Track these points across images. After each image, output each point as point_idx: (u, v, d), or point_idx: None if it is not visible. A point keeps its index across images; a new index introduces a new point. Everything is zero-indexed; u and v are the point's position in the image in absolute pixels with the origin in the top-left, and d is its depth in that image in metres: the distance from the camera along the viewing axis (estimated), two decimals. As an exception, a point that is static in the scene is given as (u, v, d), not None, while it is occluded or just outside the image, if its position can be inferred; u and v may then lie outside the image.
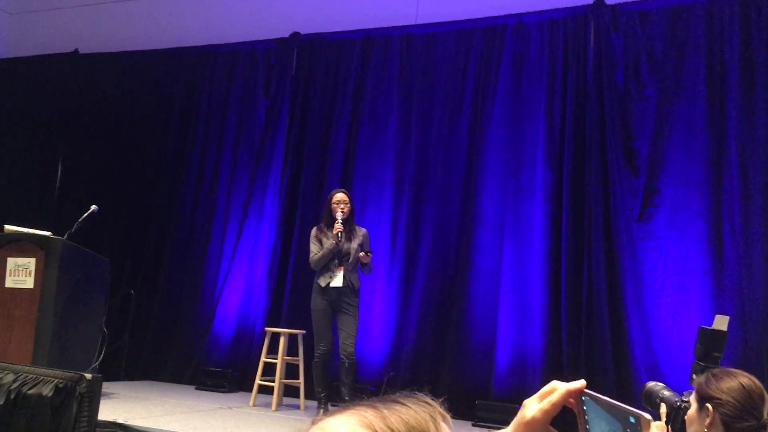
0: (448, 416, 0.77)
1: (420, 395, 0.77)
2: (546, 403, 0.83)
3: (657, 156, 5.41)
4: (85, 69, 7.88)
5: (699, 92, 5.36)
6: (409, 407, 0.74)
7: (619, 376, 5.14)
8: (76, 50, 7.95)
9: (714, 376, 1.91)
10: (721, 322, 2.15)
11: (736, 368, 1.96)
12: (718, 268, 5.06)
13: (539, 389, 0.88)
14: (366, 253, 4.93)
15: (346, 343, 4.83)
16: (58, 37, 8.14)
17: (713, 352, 2.07)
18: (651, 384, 2.09)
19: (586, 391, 0.83)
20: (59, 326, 4.41)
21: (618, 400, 0.80)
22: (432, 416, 0.74)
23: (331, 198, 5.07)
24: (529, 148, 5.84)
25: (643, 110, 5.52)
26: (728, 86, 5.27)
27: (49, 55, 8.06)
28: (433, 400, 0.77)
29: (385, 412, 0.72)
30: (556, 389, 0.83)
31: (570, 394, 0.83)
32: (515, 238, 5.73)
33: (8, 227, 4.71)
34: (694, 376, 2.03)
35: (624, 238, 5.36)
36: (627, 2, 5.72)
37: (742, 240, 5.01)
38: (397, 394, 0.77)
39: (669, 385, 2.11)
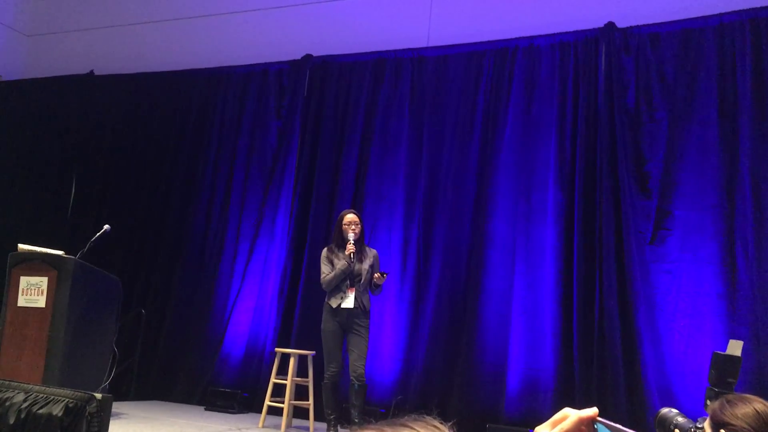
0: None
1: (429, 418, 0.77)
2: (558, 431, 0.82)
3: (669, 178, 5.39)
4: (100, 90, 7.97)
5: (711, 115, 5.35)
6: (418, 431, 0.73)
7: (632, 401, 5.08)
8: (92, 71, 8.05)
9: (728, 402, 1.88)
10: (734, 347, 2.13)
11: (751, 394, 1.93)
12: (732, 291, 5.01)
13: (551, 413, 0.87)
14: (381, 274, 4.91)
15: (357, 364, 4.81)
16: (74, 59, 8.25)
17: (727, 378, 2.04)
18: (665, 410, 2.07)
19: (599, 419, 0.82)
20: (70, 345, 4.42)
21: (631, 427, 0.79)
22: None
23: (342, 219, 5.07)
24: (540, 170, 5.83)
25: (654, 133, 5.51)
26: (740, 109, 5.26)
27: (65, 76, 8.17)
28: (442, 423, 0.76)
29: None
30: (568, 416, 0.82)
31: (582, 421, 0.82)
32: (526, 260, 5.70)
33: (21, 246, 4.74)
34: (708, 402, 2.01)
35: (636, 260, 5.32)
36: (638, 25, 5.73)
37: (756, 263, 4.97)
38: (406, 417, 0.76)
39: (683, 411, 2.09)
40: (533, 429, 0.83)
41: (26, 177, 8.08)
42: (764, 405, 1.80)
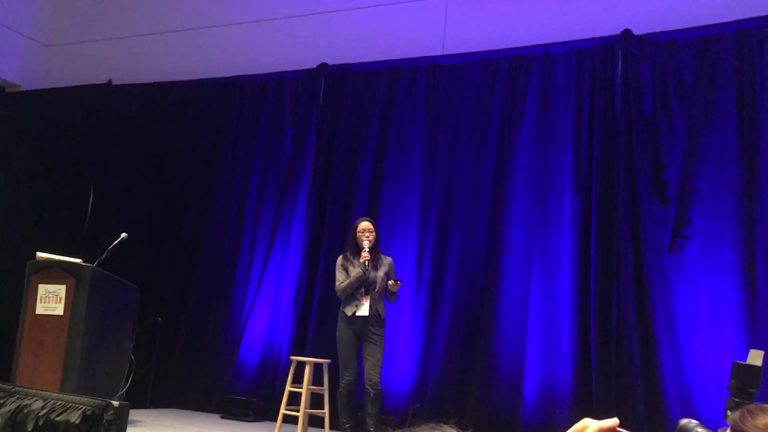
0: None
1: (447, 427, 0.76)
2: None
3: (687, 186, 5.34)
4: (117, 99, 8.05)
5: (729, 122, 5.30)
6: None
7: (651, 412, 5.02)
8: (110, 81, 8.13)
9: (749, 412, 1.85)
10: (755, 357, 2.10)
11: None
12: (752, 300, 4.95)
13: (569, 424, 0.86)
14: (395, 281, 4.90)
15: (372, 372, 4.79)
16: (92, 69, 8.34)
17: (748, 388, 2.01)
18: (684, 421, 2.03)
19: (619, 429, 0.81)
20: (88, 353, 4.44)
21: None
22: None
23: (357, 226, 5.07)
24: (556, 177, 5.80)
25: (672, 140, 5.47)
26: (759, 116, 5.21)
27: (84, 85, 8.26)
28: (456, 429, 0.76)
29: None
30: (588, 427, 0.81)
31: None
32: (543, 268, 5.67)
33: (40, 254, 4.78)
34: (728, 413, 1.97)
35: (654, 269, 5.28)
36: (655, 33, 5.70)
37: (776, 272, 4.91)
38: (424, 426, 0.76)
39: (703, 422, 2.06)
40: None
41: (45, 185, 8.16)
42: None
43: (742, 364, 2.06)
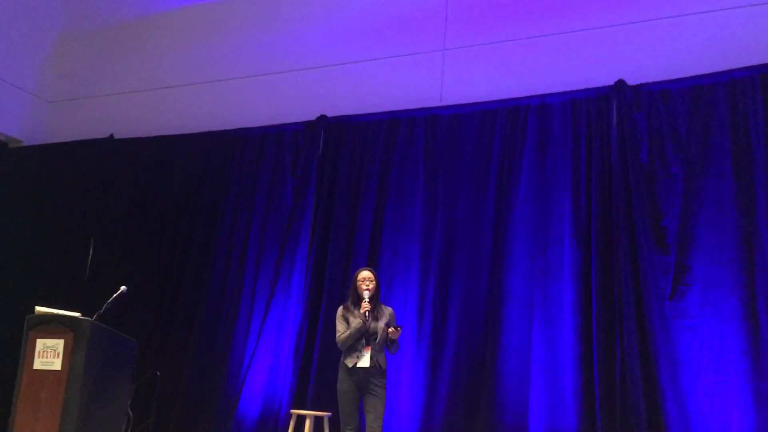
0: None
1: None
2: None
3: (686, 233, 5.35)
4: (119, 153, 8.12)
5: (725, 169, 5.35)
6: None
7: (658, 462, 4.93)
8: (112, 135, 8.22)
9: None
10: None
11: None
12: (756, 347, 4.91)
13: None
14: (396, 329, 4.86)
15: (374, 425, 4.72)
16: (94, 124, 8.44)
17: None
18: None
19: None
20: (85, 409, 4.39)
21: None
22: None
23: (357, 276, 5.07)
24: (556, 226, 5.82)
25: (669, 187, 5.51)
26: (755, 162, 5.26)
27: (86, 140, 8.34)
28: None
29: None
30: None
31: None
32: (545, 317, 5.64)
33: (39, 308, 4.76)
34: None
35: (656, 316, 5.25)
36: (648, 83, 5.80)
37: (779, 318, 4.88)
38: None
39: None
40: None
41: (45, 239, 8.16)
42: None
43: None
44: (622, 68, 5.97)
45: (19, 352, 4.65)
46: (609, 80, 5.93)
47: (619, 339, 5.28)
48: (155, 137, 7.97)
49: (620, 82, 5.86)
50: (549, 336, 5.58)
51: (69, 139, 8.49)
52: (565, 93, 6.09)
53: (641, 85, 5.81)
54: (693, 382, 5.06)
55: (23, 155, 8.68)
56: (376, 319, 4.93)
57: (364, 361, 4.81)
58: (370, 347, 4.85)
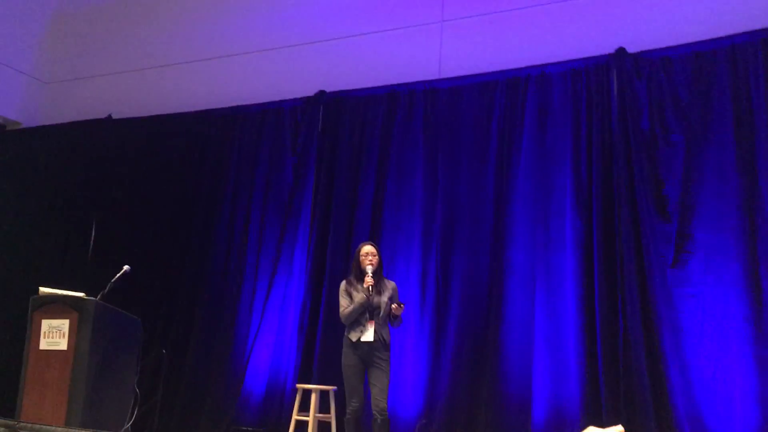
0: None
1: None
2: None
3: (688, 201, 5.34)
4: (118, 133, 8.09)
5: (727, 136, 5.32)
6: None
7: (661, 429, 4.96)
8: (110, 116, 8.19)
9: None
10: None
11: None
12: (758, 313, 4.92)
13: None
14: (399, 305, 4.88)
15: (379, 398, 4.75)
16: (91, 104, 8.40)
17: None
18: None
19: None
20: (92, 387, 4.42)
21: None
22: None
23: (360, 251, 5.07)
24: (557, 197, 5.81)
25: (670, 156, 5.48)
26: (756, 129, 5.23)
27: (84, 121, 8.31)
28: None
29: None
30: None
31: None
32: (547, 289, 5.65)
33: (43, 289, 4.78)
34: None
35: (659, 285, 5.25)
36: (649, 50, 5.74)
37: (781, 284, 4.89)
38: None
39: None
40: None
41: (47, 221, 8.18)
42: None
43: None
44: (622, 36, 5.92)
45: (24, 334, 4.68)
46: (609, 48, 5.87)
47: (622, 308, 5.30)
48: (154, 116, 7.94)
49: (620, 50, 5.81)
50: (551, 307, 5.59)
51: (67, 120, 8.46)
52: (564, 63, 6.04)
53: (642, 52, 5.76)
54: (696, 349, 5.08)
55: (22, 137, 8.67)
56: (380, 293, 4.94)
57: (368, 335, 4.83)
58: (373, 321, 4.87)
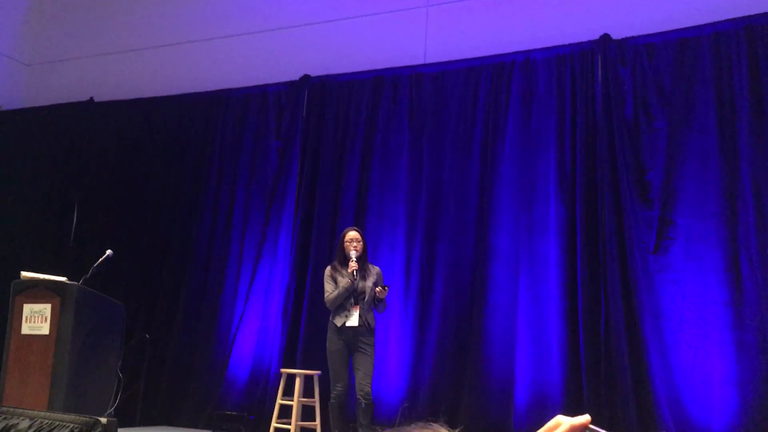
0: None
1: (436, 426, 0.77)
2: None
3: (670, 187, 5.39)
4: (100, 117, 8.01)
5: (709, 123, 5.36)
6: None
7: (641, 412, 5.04)
8: (92, 99, 8.10)
9: None
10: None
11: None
12: (738, 299, 4.99)
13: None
14: (383, 288, 4.90)
15: (363, 383, 4.78)
16: (73, 87, 8.30)
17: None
18: None
19: (591, 426, 0.83)
20: (75, 372, 4.40)
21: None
22: None
23: (344, 236, 5.08)
24: (541, 182, 5.83)
25: (653, 142, 5.52)
26: (738, 116, 5.27)
27: (65, 104, 8.21)
28: (449, 430, 0.76)
29: None
30: (561, 424, 0.83)
31: (574, 429, 0.82)
32: (530, 274, 5.69)
33: (24, 274, 4.74)
34: None
35: (640, 270, 5.31)
36: (633, 36, 5.76)
37: (760, 269, 4.95)
38: (413, 425, 0.76)
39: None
40: None
41: (29, 205, 8.10)
42: None
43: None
44: (606, 22, 5.93)
45: (5, 318, 4.64)
46: (594, 35, 5.88)
47: (604, 294, 5.36)
48: (137, 99, 7.86)
49: (605, 37, 5.82)
50: (535, 292, 5.64)
51: (48, 103, 8.36)
52: (549, 48, 6.05)
53: (626, 39, 5.78)
54: (676, 334, 5.14)
55: (2, 120, 8.55)
56: (364, 278, 4.96)
57: (353, 320, 4.85)
58: (358, 306, 4.88)
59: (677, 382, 5.05)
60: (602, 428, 0.83)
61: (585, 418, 0.83)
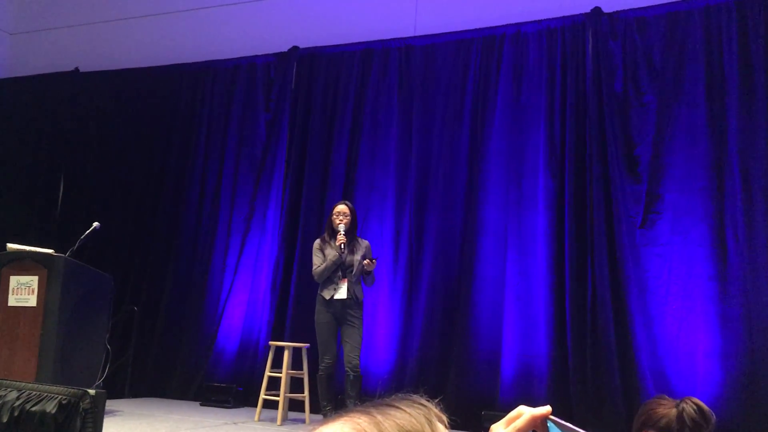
0: (444, 417, 0.77)
1: (415, 397, 0.77)
2: (511, 429, 0.83)
3: (658, 162, 5.41)
4: (86, 87, 7.91)
5: (698, 97, 5.36)
6: (404, 410, 0.74)
7: (626, 385, 5.11)
8: (77, 69, 7.99)
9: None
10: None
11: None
12: (723, 273, 5.04)
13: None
14: (371, 260, 4.91)
15: (351, 355, 4.81)
16: (58, 56, 8.18)
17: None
18: None
19: (551, 417, 0.84)
20: (63, 344, 4.40)
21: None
22: (427, 418, 0.74)
23: (333, 210, 5.08)
24: (530, 156, 5.84)
25: (643, 116, 5.52)
26: (728, 91, 5.27)
27: (50, 74, 8.10)
28: (428, 401, 0.77)
29: (379, 417, 0.72)
30: (522, 414, 0.84)
31: (535, 419, 0.83)
32: (519, 247, 5.71)
33: (10, 245, 4.71)
34: None
35: (627, 244, 5.34)
36: (624, 10, 5.73)
37: (746, 244, 5.00)
38: (393, 397, 0.77)
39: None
40: (489, 427, 0.84)
41: (13, 176, 8.02)
42: None
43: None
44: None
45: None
46: (585, 8, 5.85)
47: (591, 267, 5.40)
48: (123, 70, 7.76)
49: (596, 10, 5.79)
50: (523, 265, 5.67)
51: (33, 73, 8.24)
52: (540, 21, 6.01)
53: (617, 12, 5.75)
54: (662, 307, 5.20)
55: (-14, 90, 8.43)
56: (352, 251, 4.96)
57: (341, 293, 4.87)
58: (346, 279, 4.90)
59: (661, 354, 5.12)
60: (585, 417, 0.84)
61: (546, 408, 0.84)
